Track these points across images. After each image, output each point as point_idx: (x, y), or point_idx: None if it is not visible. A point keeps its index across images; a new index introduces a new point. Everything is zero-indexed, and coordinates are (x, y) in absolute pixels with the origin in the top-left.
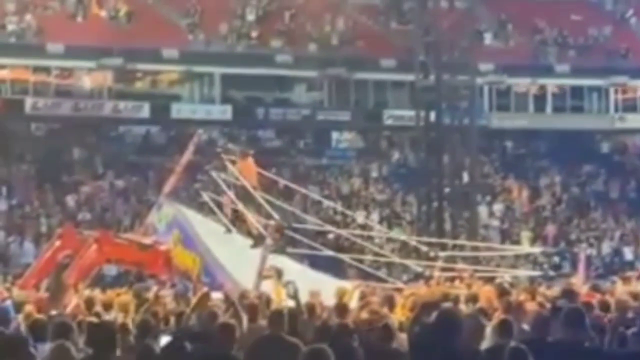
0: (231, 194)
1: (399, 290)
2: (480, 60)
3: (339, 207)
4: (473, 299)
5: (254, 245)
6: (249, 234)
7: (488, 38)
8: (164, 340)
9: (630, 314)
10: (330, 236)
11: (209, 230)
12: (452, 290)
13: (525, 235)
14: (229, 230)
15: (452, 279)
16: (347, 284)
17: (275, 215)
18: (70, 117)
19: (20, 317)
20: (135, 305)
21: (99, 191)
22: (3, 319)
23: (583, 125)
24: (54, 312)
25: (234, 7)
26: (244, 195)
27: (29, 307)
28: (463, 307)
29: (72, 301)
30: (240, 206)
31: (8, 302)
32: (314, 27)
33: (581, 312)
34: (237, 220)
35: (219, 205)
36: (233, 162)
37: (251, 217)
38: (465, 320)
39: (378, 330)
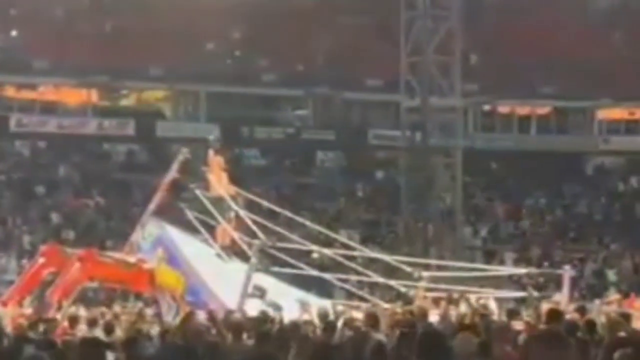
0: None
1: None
2: (466, 81)
3: (322, 228)
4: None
5: (219, 255)
6: (223, 248)
7: (474, 59)
8: None
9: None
10: (315, 255)
11: (194, 249)
12: (434, 310)
13: (509, 256)
14: (219, 256)
15: (436, 299)
16: (329, 304)
17: (260, 234)
18: (55, 135)
19: (9, 330)
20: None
21: (83, 208)
22: None
23: (567, 147)
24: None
25: (220, 26)
26: (216, 202)
27: (20, 320)
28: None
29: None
30: (226, 225)
31: None
32: (300, 46)
33: (561, 334)
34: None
35: (203, 224)
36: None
37: (235, 235)
38: (456, 340)
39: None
